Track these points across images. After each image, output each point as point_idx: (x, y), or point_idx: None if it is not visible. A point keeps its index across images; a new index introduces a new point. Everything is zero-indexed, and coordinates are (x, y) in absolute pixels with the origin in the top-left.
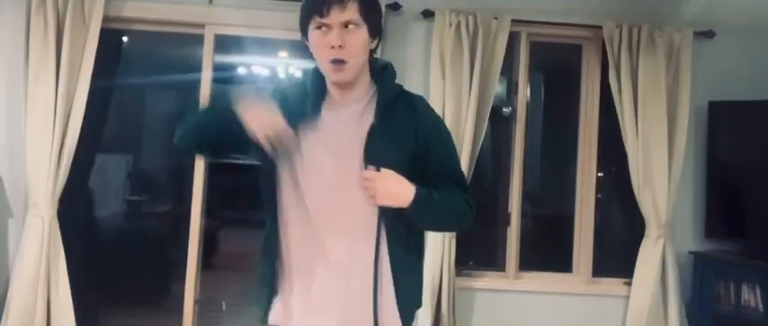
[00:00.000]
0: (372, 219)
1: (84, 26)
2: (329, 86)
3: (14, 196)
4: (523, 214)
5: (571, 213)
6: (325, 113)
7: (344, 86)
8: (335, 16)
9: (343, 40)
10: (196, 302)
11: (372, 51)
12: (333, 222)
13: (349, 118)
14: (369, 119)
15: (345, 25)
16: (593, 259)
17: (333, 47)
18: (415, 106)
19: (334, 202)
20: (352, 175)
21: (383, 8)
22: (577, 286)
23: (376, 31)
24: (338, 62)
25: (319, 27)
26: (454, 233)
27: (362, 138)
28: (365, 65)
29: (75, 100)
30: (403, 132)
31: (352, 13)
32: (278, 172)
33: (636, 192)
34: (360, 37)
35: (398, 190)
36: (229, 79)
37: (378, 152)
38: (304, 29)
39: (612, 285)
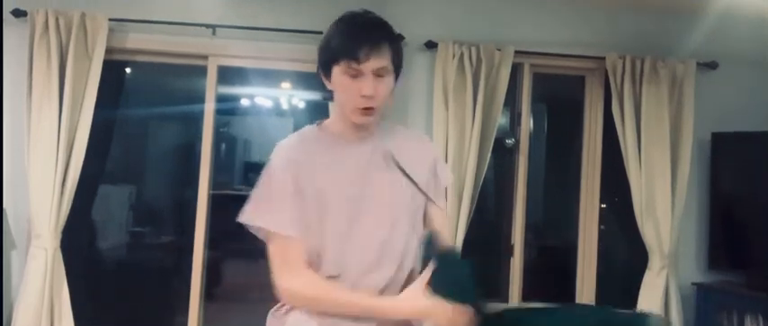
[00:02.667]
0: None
1: (87, 57)
2: (344, 125)
3: (17, 228)
4: (526, 245)
5: (574, 244)
6: (342, 152)
7: (362, 126)
8: (371, 63)
9: (375, 88)
10: None
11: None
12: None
13: (365, 154)
14: (384, 154)
15: (377, 73)
16: (596, 290)
17: (364, 95)
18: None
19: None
20: (380, 213)
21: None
22: None
23: (398, 74)
24: (368, 109)
25: (349, 71)
26: None
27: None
28: None
29: (78, 131)
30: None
31: (385, 60)
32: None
33: (639, 223)
34: (389, 84)
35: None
36: (233, 111)
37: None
38: (326, 66)
39: None
